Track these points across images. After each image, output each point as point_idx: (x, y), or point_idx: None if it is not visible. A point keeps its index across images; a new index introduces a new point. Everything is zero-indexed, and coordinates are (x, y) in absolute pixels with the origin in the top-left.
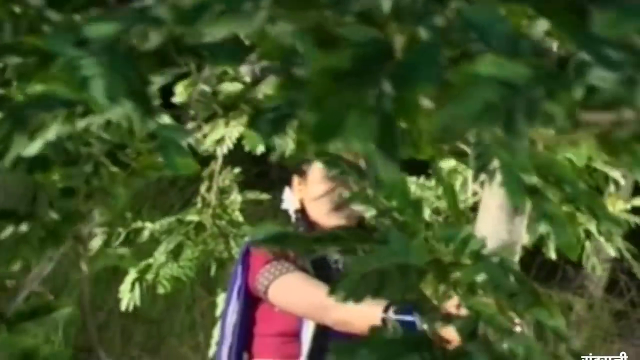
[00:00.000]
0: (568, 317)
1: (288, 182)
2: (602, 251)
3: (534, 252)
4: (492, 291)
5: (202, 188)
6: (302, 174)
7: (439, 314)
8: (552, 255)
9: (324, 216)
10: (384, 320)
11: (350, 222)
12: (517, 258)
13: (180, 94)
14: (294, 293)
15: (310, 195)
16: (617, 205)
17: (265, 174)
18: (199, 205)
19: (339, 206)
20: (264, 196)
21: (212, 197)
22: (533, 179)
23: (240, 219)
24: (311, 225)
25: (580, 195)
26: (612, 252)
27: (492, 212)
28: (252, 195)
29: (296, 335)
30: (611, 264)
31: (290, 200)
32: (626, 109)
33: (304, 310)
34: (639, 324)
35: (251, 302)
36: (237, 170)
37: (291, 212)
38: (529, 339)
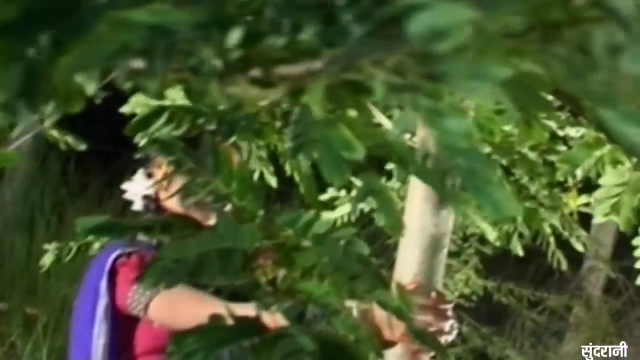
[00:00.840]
0: (567, 318)
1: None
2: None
3: (529, 255)
4: (331, 274)
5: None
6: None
7: (271, 298)
8: (519, 252)
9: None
10: None
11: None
12: (445, 250)
13: None
14: (180, 307)
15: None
16: (577, 200)
17: None
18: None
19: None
20: None
21: None
22: (359, 156)
23: None
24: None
25: (424, 173)
26: (580, 247)
27: (417, 205)
28: None
29: None
30: (609, 263)
31: (140, 183)
32: (316, 60)
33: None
34: (638, 323)
35: (121, 321)
36: None
37: (140, 197)
38: (356, 319)
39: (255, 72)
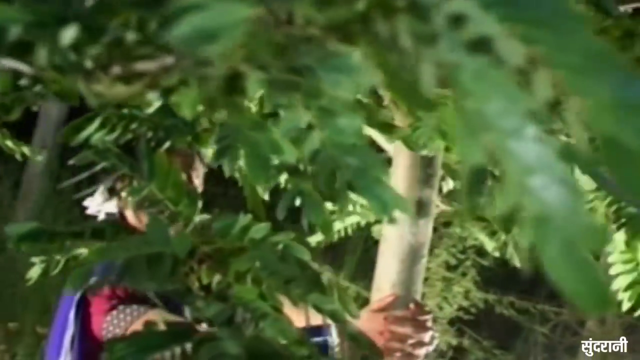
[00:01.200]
0: (580, 333)
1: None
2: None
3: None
4: (266, 277)
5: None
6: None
7: (202, 302)
8: (517, 263)
9: (135, 221)
10: None
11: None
12: (424, 260)
13: None
14: None
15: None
16: None
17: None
18: None
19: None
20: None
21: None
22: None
23: None
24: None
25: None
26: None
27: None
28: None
29: None
30: None
31: (99, 201)
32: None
33: None
34: None
35: (87, 352)
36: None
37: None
38: (284, 322)
39: (117, 70)
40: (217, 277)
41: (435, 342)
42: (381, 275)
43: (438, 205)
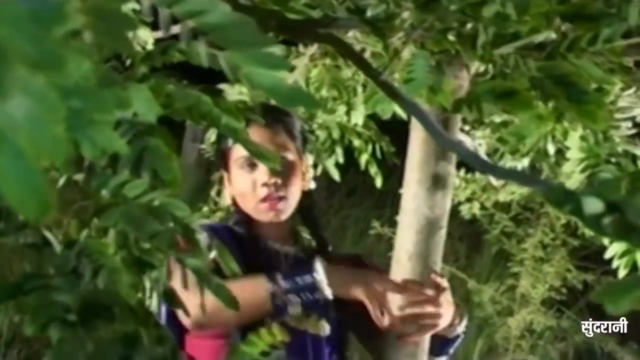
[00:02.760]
0: None
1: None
2: None
3: (582, 291)
4: (132, 232)
5: (212, 192)
6: (224, 164)
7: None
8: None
9: (254, 211)
10: (273, 295)
11: (280, 218)
12: (443, 232)
13: None
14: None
15: (236, 188)
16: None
17: None
18: (206, 208)
19: (264, 199)
20: None
21: (222, 201)
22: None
23: None
24: (247, 218)
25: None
26: None
27: (412, 188)
28: None
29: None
30: None
31: (225, 194)
32: None
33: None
34: None
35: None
36: None
37: (226, 207)
38: (120, 274)
39: None
40: (85, 232)
41: (464, 322)
42: (399, 247)
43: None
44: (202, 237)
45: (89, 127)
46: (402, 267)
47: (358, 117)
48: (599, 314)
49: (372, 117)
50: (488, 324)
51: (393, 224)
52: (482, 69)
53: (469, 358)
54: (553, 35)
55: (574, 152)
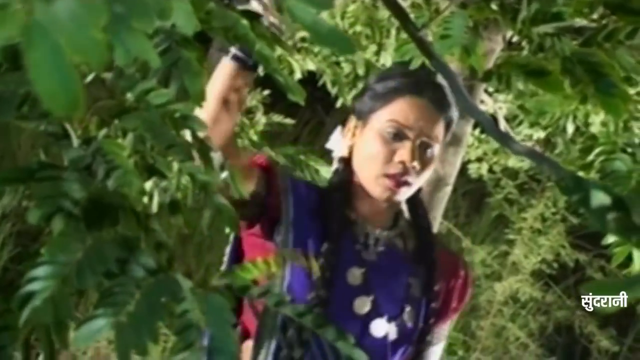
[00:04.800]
0: None
1: (316, 111)
2: None
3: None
4: (149, 139)
5: None
6: (365, 116)
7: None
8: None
9: (372, 181)
10: (236, 58)
11: (392, 201)
12: (448, 189)
13: None
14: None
15: (365, 148)
16: None
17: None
18: None
19: (392, 175)
20: (288, 121)
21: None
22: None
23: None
24: (350, 183)
25: None
26: None
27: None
28: (277, 118)
29: None
30: None
31: (337, 142)
32: None
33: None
34: None
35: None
36: (265, 92)
37: (335, 157)
38: (134, 176)
39: None
40: (104, 131)
41: None
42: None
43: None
44: (216, 156)
45: (127, 34)
46: None
47: (386, 59)
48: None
49: (398, 63)
50: (475, 285)
51: None
52: (515, 38)
53: None
54: (593, 24)
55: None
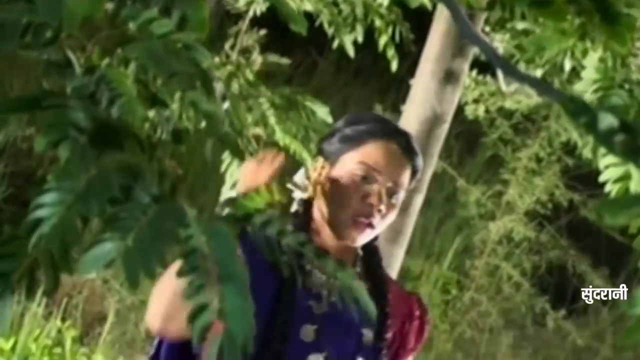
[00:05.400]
0: None
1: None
2: None
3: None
4: (151, 68)
5: (227, 45)
6: (333, 157)
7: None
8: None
9: (336, 222)
10: None
11: (354, 244)
12: (445, 127)
13: None
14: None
15: (333, 189)
16: None
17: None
18: (217, 59)
19: (359, 217)
20: (284, 60)
21: (234, 55)
22: None
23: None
24: (309, 229)
25: None
26: None
27: (424, 78)
28: (273, 58)
29: None
30: None
31: (300, 182)
32: None
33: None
34: None
35: None
36: (262, 32)
37: (296, 198)
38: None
39: None
40: (106, 61)
41: None
42: None
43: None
44: (218, 86)
45: None
46: None
47: None
48: (578, 235)
49: (397, 2)
50: (469, 225)
51: (395, 111)
52: None
53: (444, 254)
54: None
55: (590, 72)
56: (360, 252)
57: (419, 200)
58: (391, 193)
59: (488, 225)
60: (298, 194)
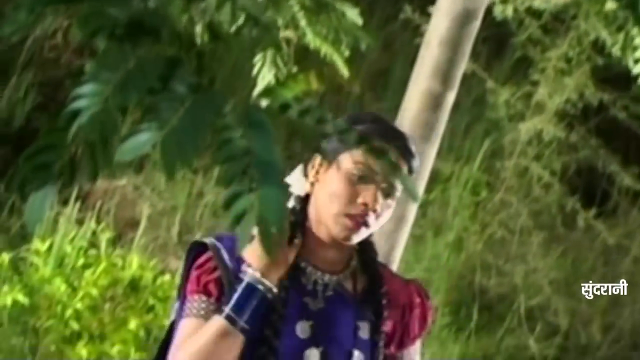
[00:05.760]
0: None
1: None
2: None
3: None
4: None
5: None
6: (331, 156)
7: None
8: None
9: (332, 219)
10: (230, 319)
11: (348, 242)
12: (477, 24)
13: None
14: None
15: (329, 187)
16: None
17: None
18: None
19: (354, 216)
20: None
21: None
22: None
23: None
24: (304, 226)
25: None
26: None
27: (433, 49)
28: None
29: None
30: None
31: (297, 180)
32: None
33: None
34: None
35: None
36: None
37: (292, 197)
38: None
39: None
40: None
41: None
42: (432, 31)
43: None
44: None
45: None
46: (431, 52)
47: None
48: (607, 134)
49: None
50: (498, 126)
51: (423, 13)
52: None
53: (473, 157)
54: None
55: None
56: (357, 247)
57: (450, 98)
58: (387, 193)
59: (517, 126)
60: (295, 191)
